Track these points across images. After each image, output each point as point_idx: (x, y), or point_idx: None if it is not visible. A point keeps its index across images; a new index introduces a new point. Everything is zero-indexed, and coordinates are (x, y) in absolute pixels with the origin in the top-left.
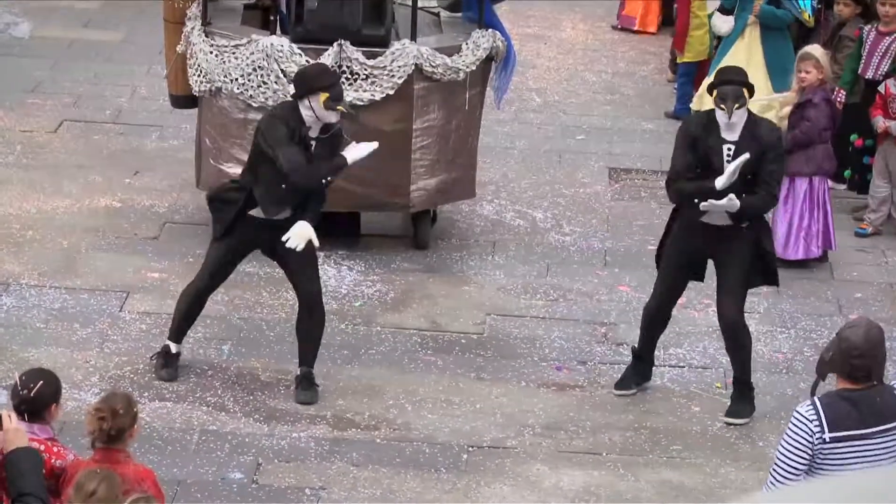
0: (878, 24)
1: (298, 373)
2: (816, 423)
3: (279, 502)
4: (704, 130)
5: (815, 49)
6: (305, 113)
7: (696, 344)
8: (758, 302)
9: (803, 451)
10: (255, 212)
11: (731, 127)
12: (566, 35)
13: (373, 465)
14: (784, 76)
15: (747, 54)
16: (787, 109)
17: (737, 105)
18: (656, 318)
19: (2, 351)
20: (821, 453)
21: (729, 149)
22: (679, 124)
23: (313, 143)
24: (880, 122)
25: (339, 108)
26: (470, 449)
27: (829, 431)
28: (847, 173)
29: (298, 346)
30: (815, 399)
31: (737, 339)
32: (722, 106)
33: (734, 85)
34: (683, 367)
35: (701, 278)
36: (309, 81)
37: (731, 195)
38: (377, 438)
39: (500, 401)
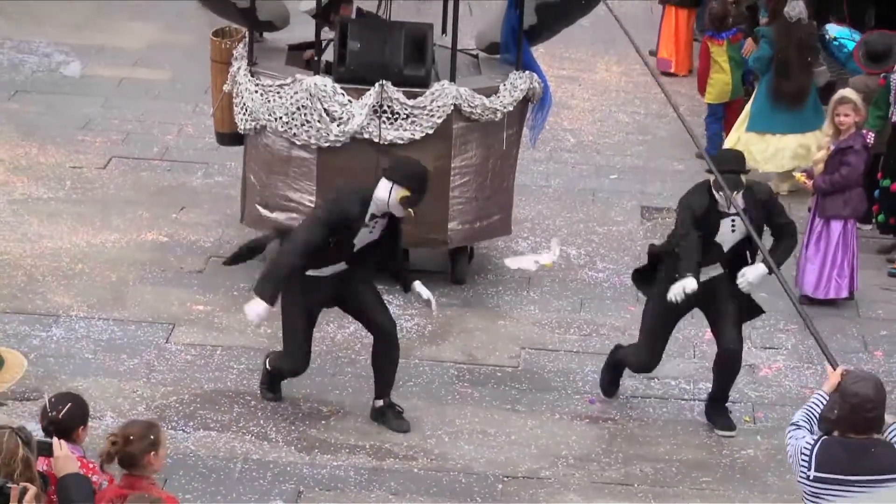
0: None
1: (382, 404)
2: (807, 459)
3: None
4: (706, 209)
5: (851, 93)
6: (380, 193)
7: None
8: (785, 339)
9: (796, 467)
10: (313, 271)
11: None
12: (600, 77)
13: (411, 494)
14: (761, 117)
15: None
16: (822, 153)
17: (736, 192)
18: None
19: (51, 381)
20: (805, 486)
21: (732, 220)
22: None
23: (374, 220)
24: None
25: (409, 210)
26: (505, 479)
27: (815, 471)
28: (881, 217)
29: (379, 377)
30: (820, 439)
31: (735, 369)
32: (720, 193)
33: (734, 173)
34: None
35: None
36: (404, 172)
37: (750, 271)
38: (415, 468)
39: (535, 432)
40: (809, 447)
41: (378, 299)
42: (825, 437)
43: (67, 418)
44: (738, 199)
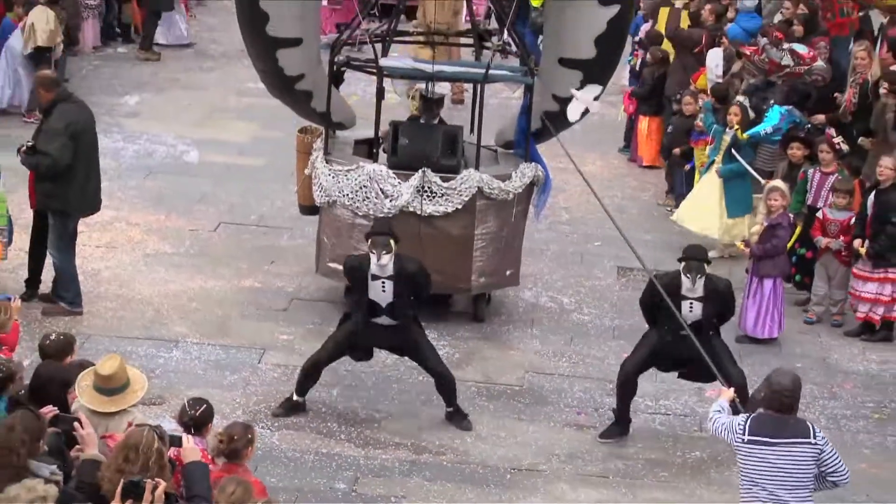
0: (819, 166)
1: (451, 410)
2: (741, 428)
3: None
4: (669, 285)
5: (780, 183)
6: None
7: (679, 398)
8: None
9: (731, 437)
10: (373, 319)
11: (692, 290)
12: (587, 168)
13: (441, 481)
14: (738, 206)
15: (710, 189)
16: (757, 227)
17: (699, 276)
18: (633, 383)
19: (172, 391)
20: (740, 450)
21: (690, 303)
22: None
23: (379, 280)
24: (822, 241)
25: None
26: (512, 471)
27: (748, 435)
28: (798, 278)
29: (443, 396)
30: (749, 415)
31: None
32: (688, 275)
33: (698, 261)
34: (669, 414)
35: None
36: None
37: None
38: (444, 461)
39: (535, 436)
40: (743, 420)
41: (431, 351)
42: (754, 413)
43: (201, 417)
44: (700, 283)
